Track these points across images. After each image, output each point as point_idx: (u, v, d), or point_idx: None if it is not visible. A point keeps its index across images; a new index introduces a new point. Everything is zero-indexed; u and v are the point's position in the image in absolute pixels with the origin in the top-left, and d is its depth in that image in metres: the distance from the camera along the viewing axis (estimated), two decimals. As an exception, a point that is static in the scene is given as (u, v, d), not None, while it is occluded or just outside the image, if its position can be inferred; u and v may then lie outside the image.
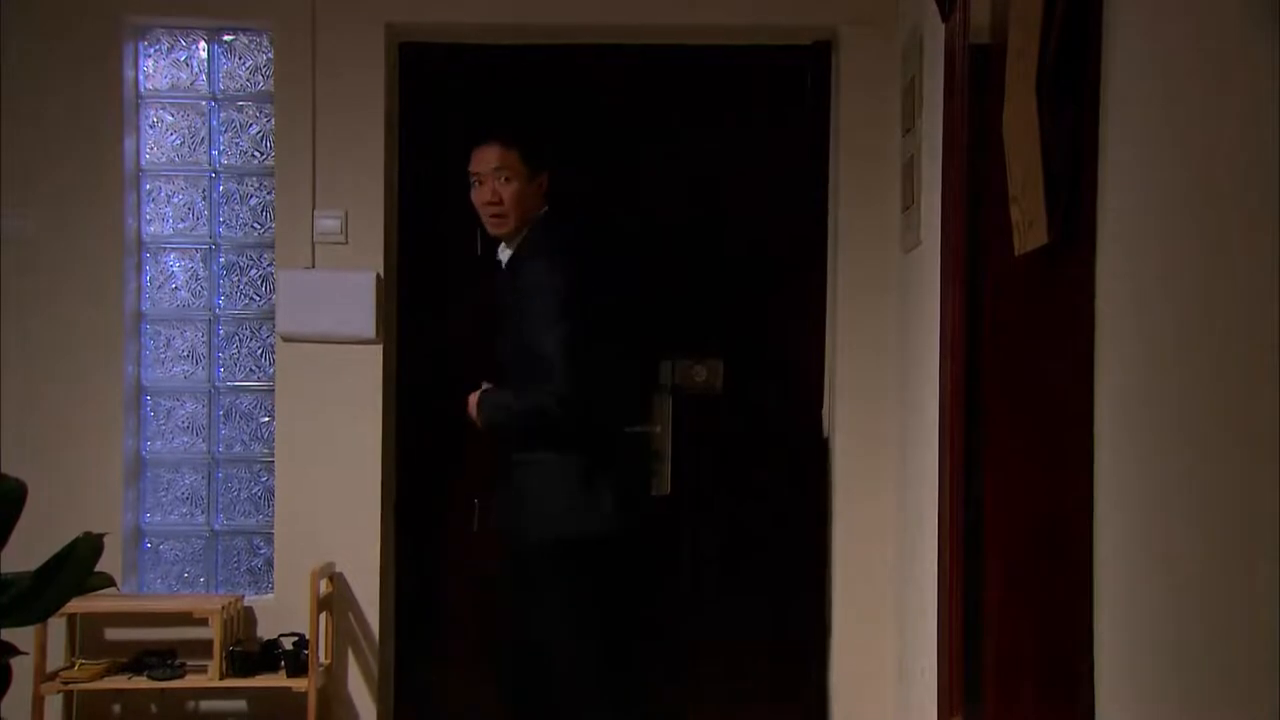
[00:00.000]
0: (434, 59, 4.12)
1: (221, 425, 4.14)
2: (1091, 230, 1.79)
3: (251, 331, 4.15)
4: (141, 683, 3.78)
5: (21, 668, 3.18)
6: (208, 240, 4.14)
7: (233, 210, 4.15)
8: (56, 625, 3.80)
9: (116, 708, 3.99)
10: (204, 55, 4.14)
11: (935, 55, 3.07)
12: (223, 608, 3.78)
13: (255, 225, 4.14)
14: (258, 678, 3.78)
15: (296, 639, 3.82)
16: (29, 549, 2.23)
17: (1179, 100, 1.51)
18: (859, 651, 3.94)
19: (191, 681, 3.80)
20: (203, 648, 3.81)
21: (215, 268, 4.14)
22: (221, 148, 4.15)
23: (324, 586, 3.87)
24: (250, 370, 4.15)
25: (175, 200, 4.14)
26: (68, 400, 3.97)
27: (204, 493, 4.14)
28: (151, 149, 4.13)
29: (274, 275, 4.03)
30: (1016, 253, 2.12)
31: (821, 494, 4.07)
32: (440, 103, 4.11)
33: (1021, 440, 2.28)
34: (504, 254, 3.46)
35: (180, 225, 4.14)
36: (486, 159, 3.39)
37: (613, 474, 3.38)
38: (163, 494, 4.14)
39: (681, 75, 4.12)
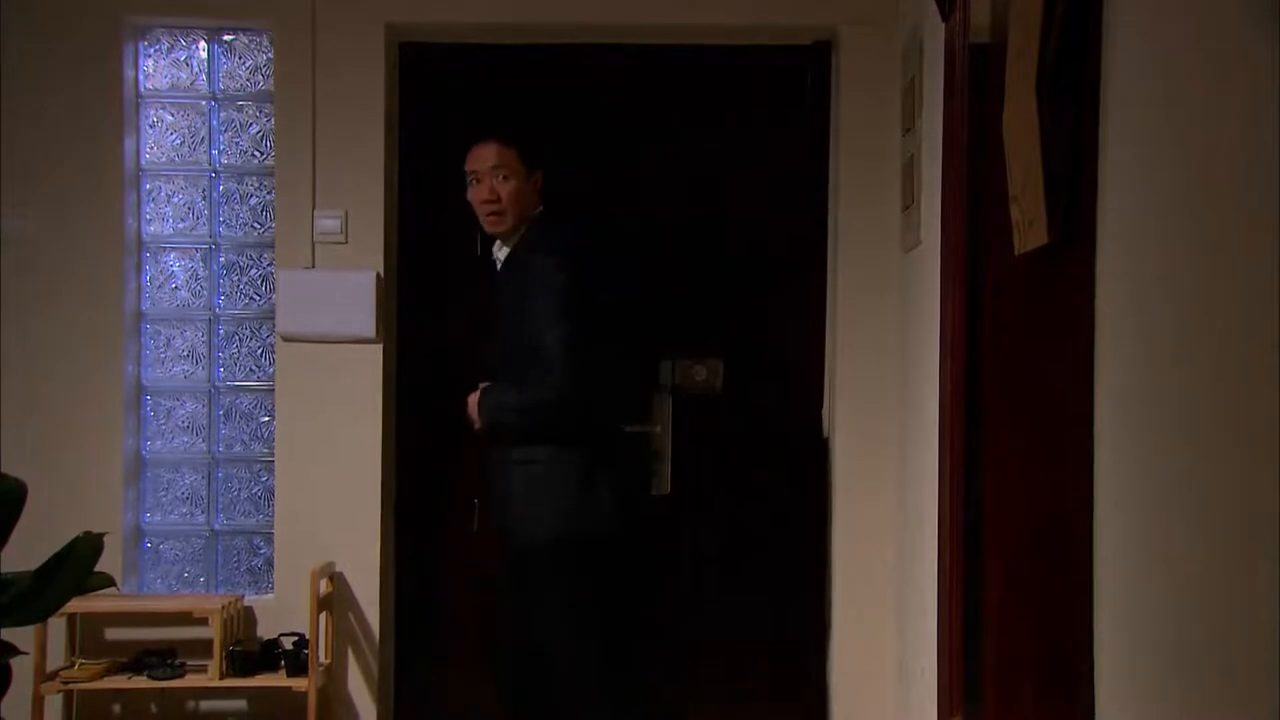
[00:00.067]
0: (434, 59, 4.12)
1: (221, 425, 4.15)
2: (1091, 230, 1.79)
3: (251, 331, 4.15)
4: (141, 682, 3.78)
5: (21, 667, 3.19)
6: (208, 240, 4.14)
7: (233, 210, 4.15)
8: (56, 625, 3.80)
9: (116, 707, 3.99)
10: (204, 55, 4.14)
11: (935, 55, 3.07)
12: (223, 607, 3.78)
13: (255, 225, 4.14)
14: (258, 677, 3.78)
15: (296, 639, 3.82)
16: (29, 549, 2.23)
17: (1179, 100, 1.51)
18: (859, 651, 3.94)
19: (191, 681, 3.80)
20: (203, 647, 3.82)
21: (215, 267, 4.14)
22: (221, 147, 4.15)
23: (324, 586, 3.87)
24: (250, 370, 4.15)
25: (175, 200, 4.14)
26: (68, 400, 3.97)
27: (204, 492, 4.14)
28: (151, 149, 4.13)
29: (274, 275, 4.03)
30: (1016, 253, 2.12)
31: (821, 494, 4.07)
32: (440, 102, 4.11)
33: (1021, 440, 2.28)
34: (500, 252, 3.46)
35: (180, 225, 4.14)
36: (484, 157, 3.40)
37: (612, 473, 3.38)
38: (163, 494, 4.14)
39: (681, 75, 4.12)
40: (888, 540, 3.88)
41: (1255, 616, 1.25)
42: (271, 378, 4.07)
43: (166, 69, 4.14)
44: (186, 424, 4.14)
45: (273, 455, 4.05)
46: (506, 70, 4.12)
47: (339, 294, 3.94)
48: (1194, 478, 1.43)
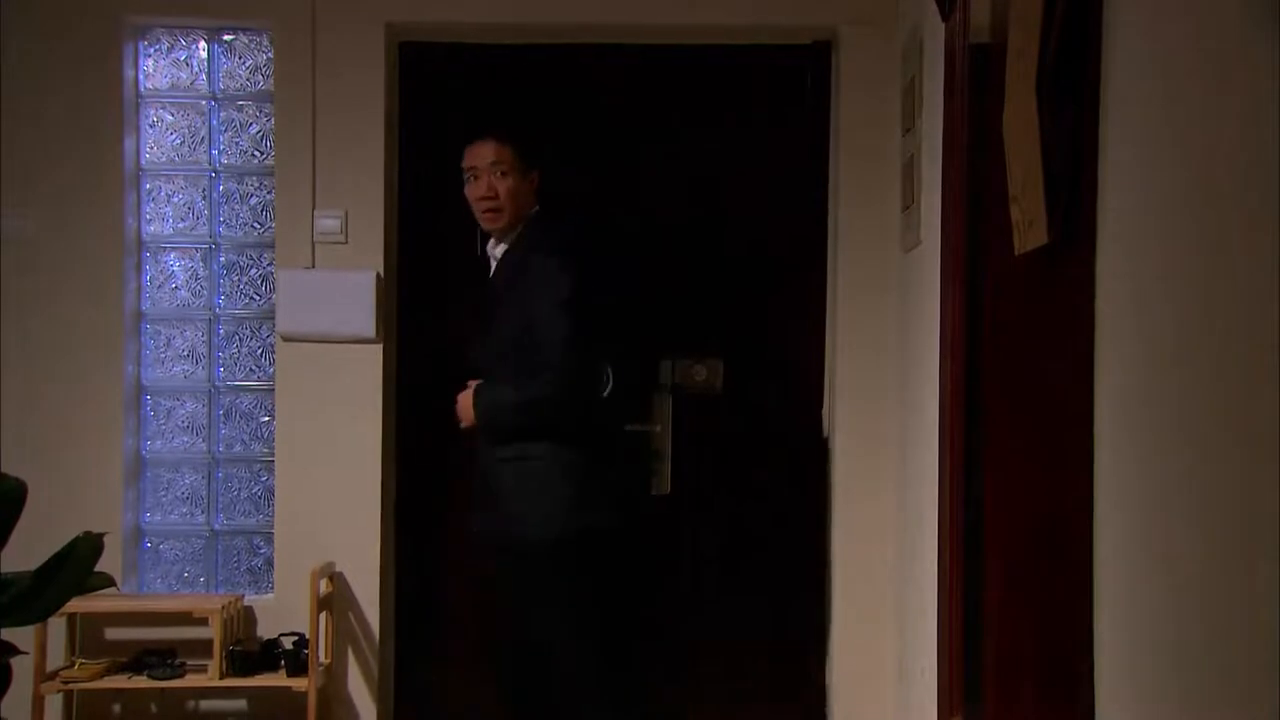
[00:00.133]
0: (434, 59, 4.12)
1: (221, 425, 4.15)
2: (1091, 230, 1.79)
3: (251, 331, 4.15)
4: (141, 682, 3.79)
5: (21, 667, 3.19)
6: (208, 240, 4.14)
7: (233, 210, 4.15)
8: (56, 625, 3.80)
9: (116, 707, 3.99)
10: (204, 55, 4.14)
11: (935, 55, 3.07)
12: (223, 607, 3.78)
13: (255, 225, 4.14)
14: (258, 677, 3.78)
15: (296, 639, 3.83)
16: (29, 549, 2.23)
17: (1179, 100, 1.51)
18: (859, 651, 3.94)
19: (191, 681, 3.80)
20: (203, 647, 3.82)
21: (215, 267, 4.14)
22: (221, 147, 4.15)
23: (324, 586, 3.87)
24: (250, 370, 4.15)
25: (175, 200, 4.14)
26: (68, 400, 3.97)
27: (204, 492, 4.14)
28: (151, 149, 4.13)
29: (274, 275, 4.03)
30: (1016, 253, 2.12)
31: (821, 494, 4.07)
32: (440, 102, 4.11)
33: (1021, 440, 2.28)
34: (496, 250, 3.47)
35: (180, 225, 4.14)
36: (482, 154, 3.41)
37: (610, 470, 3.38)
38: (163, 494, 4.14)
39: (681, 75, 4.12)
40: (888, 540, 3.88)
41: (1255, 616, 1.25)
42: (271, 378, 4.08)
43: (166, 69, 4.14)
44: (186, 424, 4.14)
45: (273, 455, 4.05)
46: (506, 70, 4.12)
47: (339, 294, 3.94)
48: (1194, 478, 1.43)
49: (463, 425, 3.41)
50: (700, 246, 4.10)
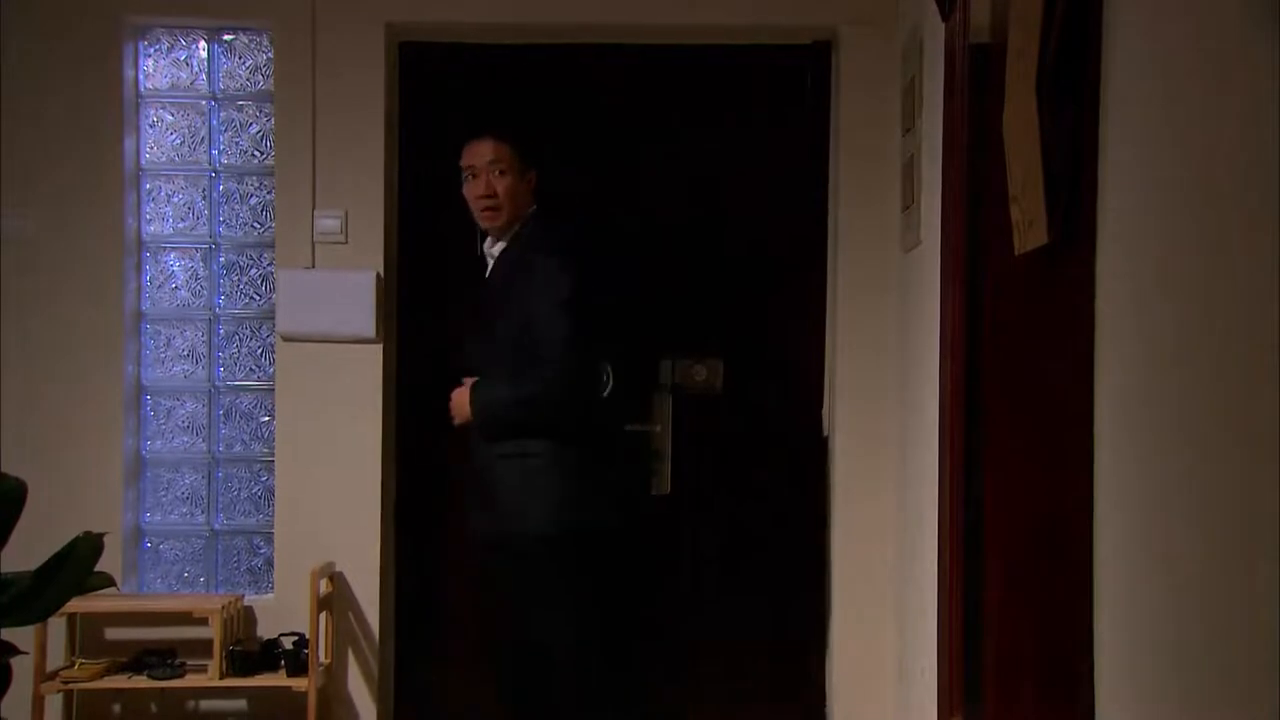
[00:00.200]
0: (434, 58, 4.12)
1: (221, 425, 4.15)
2: (1091, 230, 1.79)
3: (251, 331, 4.15)
4: (141, 682, 3.78)
5: (21, 667, 3.19)
6: (208, 240, 4.14)
7: (233, 210, 4.15)
8: (56, 625, 3.80)
9: (116, 707, 3.99)
10: (204, 55, 4.14)
11: (935, 55, 3.07)
12: (223, 607, 3.78)
13: (255, 225, 4.14)
14: (258, 677, 3.78)
15: (296, 639, 3.82)
16: (29, 549, 2.23)
17: (1179, 100, 1.51)
18: (859, 651, 3.94)
19: (191, 681, 3.80)
20: (203, 647, 3.82)
21: (215, 267, 4.14)
22: (221, 147, 4.15)
23: (324, 586, 3.87)
24: (250, 370, 4.15)
25: (175, 200, 4.14)
26: (68, 400, 3.97)
27: (204, 492, 4.14)
28: (151, 149, 4.13)
29: (274, 275, 4.03)
30: (1016, 253, 2.12)
31: (821, 494, 4.07)
32: (440, 102, 4.11)
33: (1021, 440, 2.28)
34: (494, 248, 3.48)
35: (180, 225, 4.14)
36: (480, 153, 3.42)
37: (609, 470, 3.39)
38: (163, 494, 4.14)
39: (681, 75, 4.12)
40: (888, 540, 3.88)
41: (1255, 616, 1.25)
42: (271, 378, 4.07)
43: (166, 69, 4.14)
44: (186, 424, 4.14)
45: (273, 455, 4.05)
46: (506, 70, 4.12)
47: (339, 294, 3.94)
48: (1194, 478, 1.43)
49: (456, 422, 3.42)
50: (700, 246, 4.10)
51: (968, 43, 2.69)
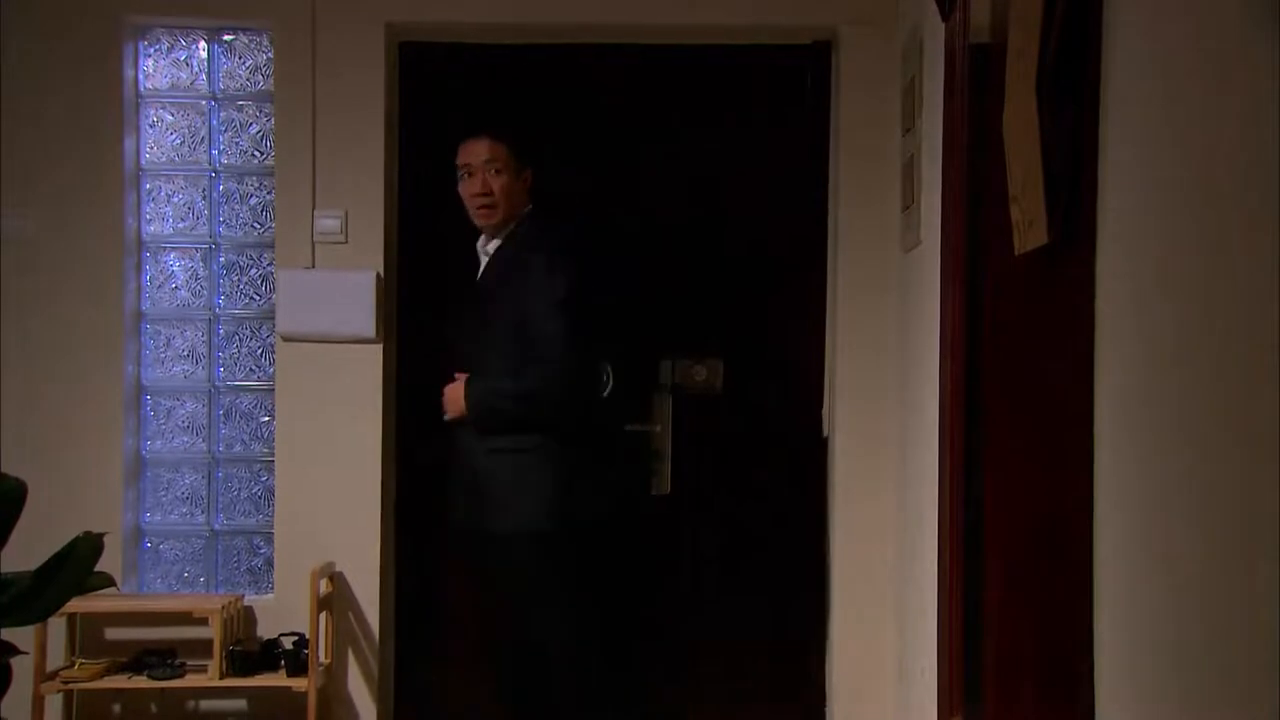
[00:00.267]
0: (434, 58, 4.12)
1: (221, 425, 4.14)
2: (1091, 230, 1.79)
3: (251, 331, 4.15)
4: (141, 682, 3.78)
5: (21, 667, 3.19)
6: (208, 240, 4.14)
7: (233, 210, 4.15)
8: (56, 625, 3.80)
9: (116, 707, 3.99)
10: (204, 55, 4.14)
11: (935, 55, 3.07)
12: (223, 607, 3.78)
13: (255, 225, 4.14)
14: (258, 677, 3.78)
15: (296, 639, 3.82)
16: (29, 549, 2.23)
17: (1179, 100, 1.51)
18: (859, 651, 3.94)
19: (191, 681, 3.80)
20: (203, 647, 3.81)
21: (215, 267, 4.14)
22: (221, 147, 4.15)
23: (324, 586, 3.87)
24: (250, 370, 4.15)
25: (175, 200, 4.14)
26: (68, 400, 3.97)
27: (204, 492, 4.14)
28: (151, 149, 4.13)
29: (274, 275, 4.03)
30: (1016, 253, 2.12)
31: (821, 494, 4.07)
32: (440, 102, 4.11)
33: (1021, 440, 2.28)
34: (489, 247, 3.50)
35: (180, 225, 4.14)
36: (476, 151, 3.45)
37: (604, 467, 3.40)
38: (163, 494, 4.14)
39: (681, 75, 4.12)
40: (888, 540, 3.88)
41: (1255, 616, 1.25)
42: (271, 378, 4.07)
43: (166, 69, 4.14)
44: (186, 424, 4.14)
45: (273, 455, 4.05)
46: (506, 70, 4.12)
47: (339, 294, 3.94)
48: (1194, 478, 1.43)
49: (448, 416, 3.43)
50: (700, 246, 4.10)
51: (968, 43, 2.69)
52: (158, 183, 4.14)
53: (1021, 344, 2.30)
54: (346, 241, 3.98)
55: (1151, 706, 1.58)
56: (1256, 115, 1.27)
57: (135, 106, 4.09)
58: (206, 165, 4.14)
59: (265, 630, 3.96)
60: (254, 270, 4.14)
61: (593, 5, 4.01)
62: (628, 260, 3.98)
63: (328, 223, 3.97)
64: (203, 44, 4.14)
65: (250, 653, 3.80)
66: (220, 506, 4.15)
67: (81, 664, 3.82)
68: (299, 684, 3.73)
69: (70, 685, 3.77)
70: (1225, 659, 1.34)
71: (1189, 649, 1.44)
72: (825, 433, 4.07)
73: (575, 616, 3.34)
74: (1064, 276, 1.94)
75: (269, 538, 4.07)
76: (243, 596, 4.01)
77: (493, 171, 3.42)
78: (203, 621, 3.80)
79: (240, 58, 4.15)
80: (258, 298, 4.14)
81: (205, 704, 4.01)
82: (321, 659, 3.84)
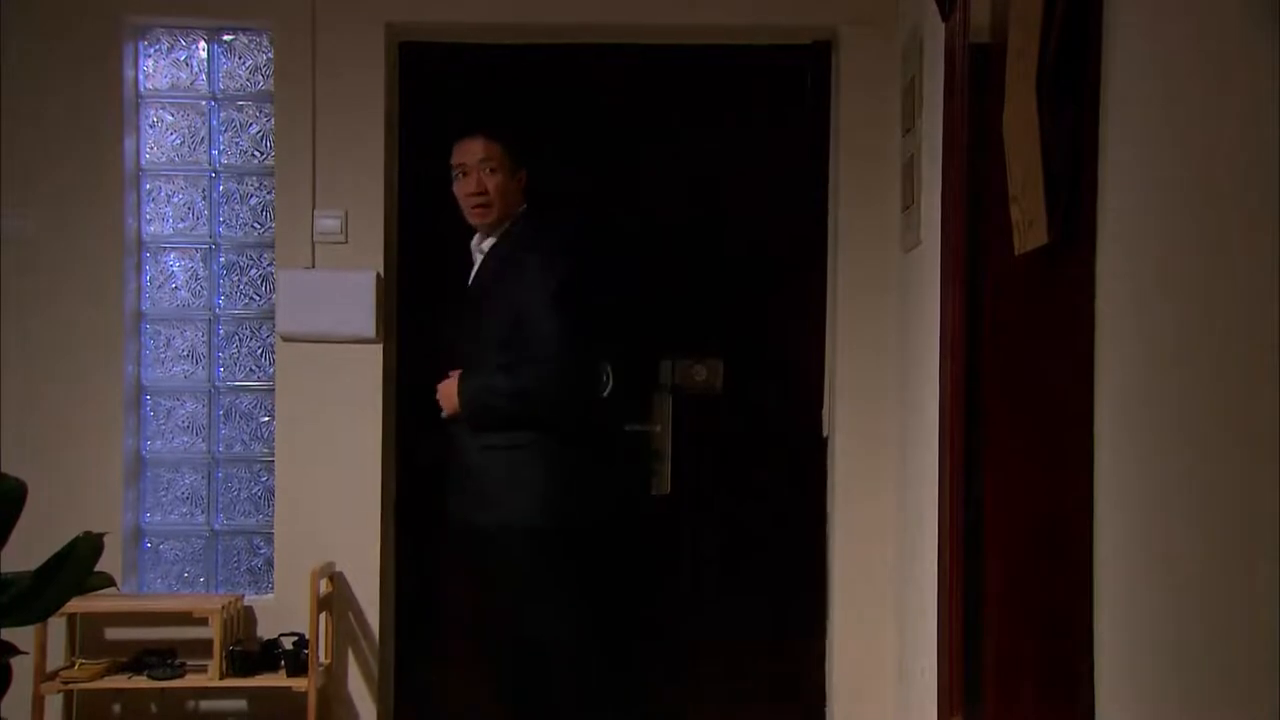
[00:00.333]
0: (434, 59, 4.12)
1: (221, 425, 4.14)
2: (1091, 230, 1.79)
3: (251, 331, 4.15)
4: (141, 682, 3.78)
5: (21, 667, 3.19)
6: (208, 240, 4.14)
7: (233, 210, 4.15)
8: (56, 625, 3.80)
9: (116, 707, 3.99)
10: (204, 55, 4.14)
11: (935, 55, 3.07)
12: (223, 607, 3.78)
13: (255, 225, 4.14)
14: (258, 677, 3.78)
15: (296, 639, 3.82)
16: (29, 549, 2.23)
17: (1179, 100, 1.51)
18: (859, 651, 3.94)
19: (191, 681, 3.80)
20: (203, 647, 3.82)
21: (215, 267, 4.14)
22: (221, 147, 4.15)
23: (324, 586, 3.87)
24: (250, 370, 4.15)
25: (175, 200, 4.14)
26: (68, 400, 3.97)
27: (204, 492, 4.14)
28: (151, 149, 4.13)
29: (274, 275, 4.03)
30: (1016, 253, 2.12)
31: (821, 494, 4.07)
32: (440, 102, 4.11)
33: (1021, 440, 2.28)
34: (483, 245, 3.50)
35: (180, 225, 4.14)
36: (472, 150, 3.46)
37: (601, 466, 3.40)
38: (163, 494, 4.14)
39: (681, 75, 4.12)
40: (888, 540, 3.88)
41: (1255, 616, 1.25)
42: (271, 378, 4.07)
43: (166, 69, 4.14)
44: (186, 424, 4.14)
45: (273, 455, 4.05)
46: (506, 70, 4.12)
47: (339, 294, 3.94)
48: (1194, 478, 1.43)
49: (444, 413, 3.44)
50: (700, 246, 4.10)
51: (968, 43, 2.69)
52: (158, 183, 4.14)
53: (1021, 344, 2.30)
54: (346, 241, 3.98)
55: (1151, 706, 1.58)
56: (1256, 115, 1.27)
57: (135, 106, 4.09)
58: (206, 165, 4.14)
59: (265, 630, 3.96)
60: (254, 270, 4.14)
61: (592, 5, 4.01)
62: (627, 260, 3.98)
63: (328, 223, 3.97)
64: (203, 44, 4.14)
65: (250, 653, 3.80)
66: (220, 506, 4.15)
67: (81, 664, 3.82)
68: (299, 684, 3.73)
69: (70, 685, 3.77)
70: (1225, 659, 1.34)
71: (1189, 649, 1.44)
72: (825, 433, 4.07)
73: (575, 616, 3.34)
74: (1064, 276, 1.94)
75: (269, 538, 4.07)
76: (243, 596, 4.01)
77: (488, 171, 3.43)
78: (203, 621, 3.80)
79: (240, 58, 4.15)
80: (258, 298, 4.14)
81: (205, 704, 4.01)
82: (321, 659, 3.84)
